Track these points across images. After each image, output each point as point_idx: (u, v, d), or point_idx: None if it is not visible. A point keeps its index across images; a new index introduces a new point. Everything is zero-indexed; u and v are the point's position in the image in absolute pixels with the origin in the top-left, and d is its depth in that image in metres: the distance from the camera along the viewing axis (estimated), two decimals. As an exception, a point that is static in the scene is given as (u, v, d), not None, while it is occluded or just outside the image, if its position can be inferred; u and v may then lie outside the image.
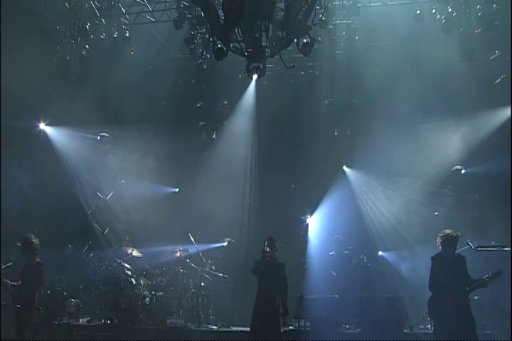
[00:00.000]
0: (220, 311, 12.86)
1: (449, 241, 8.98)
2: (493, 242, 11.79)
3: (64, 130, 15.20)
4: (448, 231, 9.03)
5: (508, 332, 10.12)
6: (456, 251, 9.11)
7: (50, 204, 14.02)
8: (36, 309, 10.02)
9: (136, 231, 13.80)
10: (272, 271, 9.69)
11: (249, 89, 14.62)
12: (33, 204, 13.91)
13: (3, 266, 10.52)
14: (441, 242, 9.05)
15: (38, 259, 10.10)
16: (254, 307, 9.77)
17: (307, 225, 15.02)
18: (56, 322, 12.13)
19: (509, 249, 9.82)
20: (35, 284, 9.89)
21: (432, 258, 9.09)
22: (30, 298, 9.76)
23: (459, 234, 9.10)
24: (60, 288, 12.74)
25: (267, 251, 9.72)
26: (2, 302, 10.34)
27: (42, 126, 15.24)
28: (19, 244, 10.31)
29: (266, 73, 14.19)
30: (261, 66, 12.67)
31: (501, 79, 13.30)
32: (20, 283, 9.93)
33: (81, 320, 12.46)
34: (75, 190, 14.91)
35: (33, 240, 10.07)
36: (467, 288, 8.75)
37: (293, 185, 15.53)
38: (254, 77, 12.91)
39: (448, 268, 8.79)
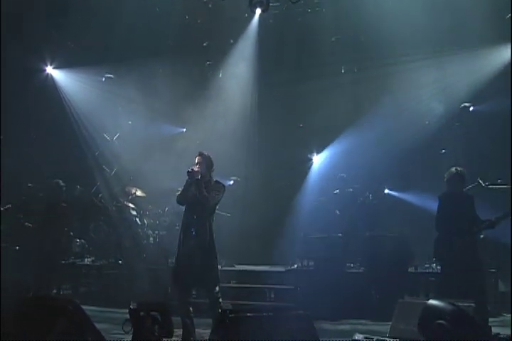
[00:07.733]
0: (223, 250, 11.93)
1: (457, 180, 8.01)
2: (498, 181, 10.75)
3: (70, 72, 14.06)
4: (456, 169, 8.03)
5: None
6: (465, 189, 8.22)
7: (58, 146, 13.35)
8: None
9: (142, 171, 12.82)
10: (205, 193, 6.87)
11: (252, 26, 13.22)
12: (41, 146, 13.20)
13: (2, 209, 10.14)
14: (448, 181, 8.08)
15: (64, 204, 9.92)
16: (179, 242, 7.10)
17: (312, 164, 13.93)
18: (63, 262, 11.30)
19: None
20: (63, 227, 10.02)
21: (440, 197, 8.18)
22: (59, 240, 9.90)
23: (466, 172, 8.15)
24: (66, 229, 11.88)
25: (192, 170, 6.83)
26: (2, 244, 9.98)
27: (49, 69, 14.04)
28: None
29: (272, 12, 12.96)
30: (264, 0, 11.43)
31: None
32: (41, 225, 9.77)
33: (86, 259, 11.74)
34: (85, 133, 13.91)
35: (63, 186, 9.99)
36: (475, 229, 7.87)
37: (301, 125, 14.36)
38: (258, 11, 11.74)
39: (456, 208, 7.90)
